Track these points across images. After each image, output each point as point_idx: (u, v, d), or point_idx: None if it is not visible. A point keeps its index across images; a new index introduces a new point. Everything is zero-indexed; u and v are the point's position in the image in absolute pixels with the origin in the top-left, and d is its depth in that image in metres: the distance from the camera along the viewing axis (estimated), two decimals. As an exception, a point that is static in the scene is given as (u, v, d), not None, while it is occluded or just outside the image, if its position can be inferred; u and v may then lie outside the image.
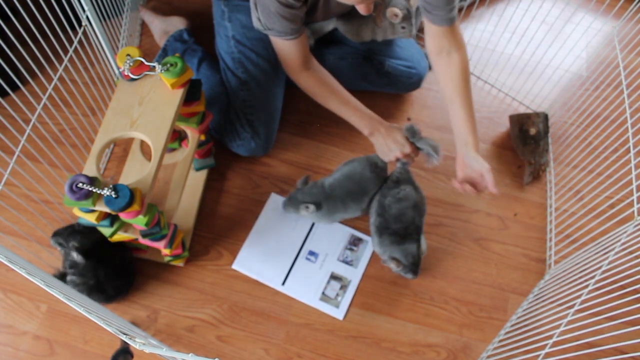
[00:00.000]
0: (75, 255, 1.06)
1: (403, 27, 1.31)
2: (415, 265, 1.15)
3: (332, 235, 1.30)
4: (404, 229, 1.17)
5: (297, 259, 1.26)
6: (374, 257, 1.28)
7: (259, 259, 1.25)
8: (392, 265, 1.16)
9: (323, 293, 1.23)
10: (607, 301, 0.95)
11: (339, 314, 1.22)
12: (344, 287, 1.24)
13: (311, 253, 1.28)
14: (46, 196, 1.16)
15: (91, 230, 1.08)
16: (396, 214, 1.18)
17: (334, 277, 1.25)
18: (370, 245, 1.29)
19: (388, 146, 1.22)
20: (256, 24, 1.14)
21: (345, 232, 1.31)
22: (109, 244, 1.09)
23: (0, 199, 1.07)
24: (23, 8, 1.03)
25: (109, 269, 1.11)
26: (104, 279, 1.11)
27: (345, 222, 1.32)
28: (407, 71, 1.41)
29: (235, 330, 1.18)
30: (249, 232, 1.28)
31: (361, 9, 0.99)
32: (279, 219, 1.31)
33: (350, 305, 1.23)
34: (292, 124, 1.44)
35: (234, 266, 1.25)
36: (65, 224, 1.18)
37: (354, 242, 1.30)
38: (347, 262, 1.27)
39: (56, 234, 1.08)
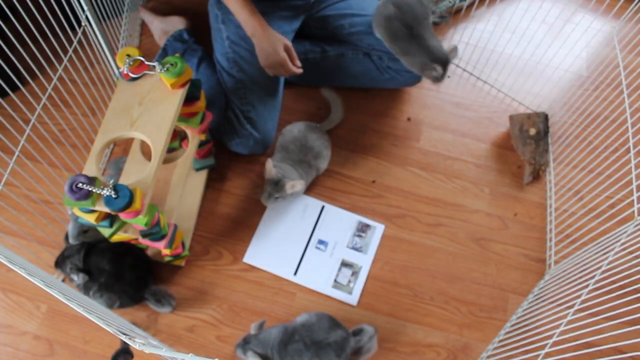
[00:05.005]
0: (77, 278, 1.07)
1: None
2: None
3: (340, 223, 1.31)
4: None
5: (307, 249, 1.27)
6: (381, 245, 1.29)
7: (269, 251, 1.26)
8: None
9: (335, 280, 1.24)
10: (607, 301, 0.95)
11: (352, 300, 1.23)
12: (355, 274, 1.25)
13: (321, 242, 1.29)
14: (46, 196, 1.16)
15: (82, 245, 1.08)
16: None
17: (344, 264, 1.26)
18: (378, 231, 1.30)
19: (266, 53, 1.20)
20: None
21: (353, 220, 1.32)
22: (104, 248, 1.08)
23: (0, 199, 1.07)
24: (22, 8, 1.03)
25: (120, 270, 1.09)
26: (124, 280, 1.09)
27: (352, 209, 1.33)
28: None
29: (235, 330, 1.18)
30: (251, 230, 1.28)
31: None
32: (286, 211, 1.31)
33: (362, 291, 1.24)
34: (291, 124, 1.44)
35: (245, 260, 1.25)
36: (65, 224, 1.19)
37: (362, 229, 1.31)
38: (356, 249, 1.28)
39: (56, 265, 1.09)
